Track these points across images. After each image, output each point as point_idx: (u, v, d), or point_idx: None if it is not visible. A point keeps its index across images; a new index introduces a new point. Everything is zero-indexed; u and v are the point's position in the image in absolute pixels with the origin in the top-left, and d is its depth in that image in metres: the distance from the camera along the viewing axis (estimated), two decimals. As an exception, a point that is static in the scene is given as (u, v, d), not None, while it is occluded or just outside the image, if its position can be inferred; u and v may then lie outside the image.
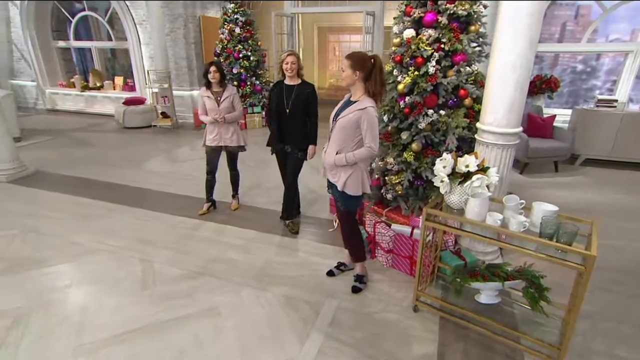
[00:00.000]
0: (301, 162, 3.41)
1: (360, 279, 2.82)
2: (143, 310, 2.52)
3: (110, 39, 9.10)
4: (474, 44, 3.02)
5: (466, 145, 3.10)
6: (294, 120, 3.29)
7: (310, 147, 3.38)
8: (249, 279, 2.87)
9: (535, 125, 5.54)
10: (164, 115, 7.65)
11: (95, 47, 9.35)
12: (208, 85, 3.60)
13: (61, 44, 9.49)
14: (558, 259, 1.91)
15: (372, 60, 2.33)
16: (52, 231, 3.54)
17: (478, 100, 2.97)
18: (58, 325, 2.39)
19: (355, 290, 2.76)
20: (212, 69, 3.50)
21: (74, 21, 9.15)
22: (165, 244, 3.34)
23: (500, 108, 2.55)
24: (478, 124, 2.74)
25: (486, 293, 2.47)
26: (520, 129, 2.66)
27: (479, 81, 2.99)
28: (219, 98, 3.62)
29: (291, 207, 3.62)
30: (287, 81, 3.31)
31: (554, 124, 5.59)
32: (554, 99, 6.45)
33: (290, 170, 3.44)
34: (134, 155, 5.99)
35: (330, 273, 2.95)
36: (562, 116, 6.19)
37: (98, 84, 9.20)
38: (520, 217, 2.10)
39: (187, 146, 6.49)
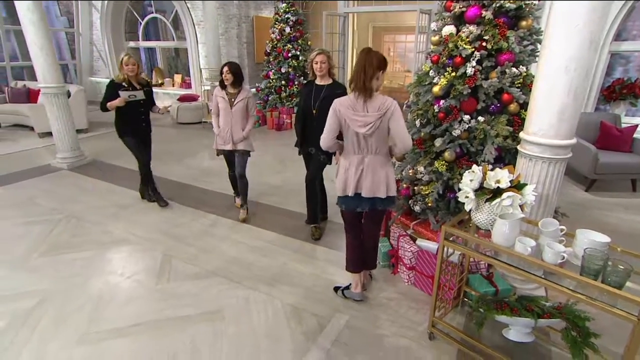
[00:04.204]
0: (323, 165, 3.26)
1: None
2: (150, 305, 2.54)
3: (173, 39, 9.67)
4: (526, 42, 2.65)
5: (510, 157, 2.74)
6: (320, 122, 3.13)
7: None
8: (260, 283, 2.79)
9: (610, 137, 4.81)
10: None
11: (159, 46, 10.00)
12: (223, 85, 3.49)
13: (132, 44, 10.28)
14: (603, 303, 1.56)
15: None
16: (91, 218, 3.77)
17: (526, 106, 2.59)
18: (74, 311, 2.49)
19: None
20: (225, 69, 3.38)
21: (142, 23, 9.86)
22: (188, 240, 3.38)
23: (547, 116, 2.18)
24: (521, 134, 2.37)
25: (516, 329, 2.12)
26: (574, 140, 2.26)
27: (528, 84, 2.61)
28: (232, 100, 3.50)
29: (313, 210, 3.47)
30: (318, 81, 3.18)
31: (635, 135, 4.80)
32: (639, 106, 5.58)
33: (310, 170, 3.32)
34: (180, 150, 6.25)
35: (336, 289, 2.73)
36: (647, 127, 5.31)
37: (160, 81, 9.83)
38: (558, 246, 1.76)
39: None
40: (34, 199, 4.21)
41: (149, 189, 4.17)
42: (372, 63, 2.14)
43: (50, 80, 4.95)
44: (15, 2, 4.56)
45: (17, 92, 7.30)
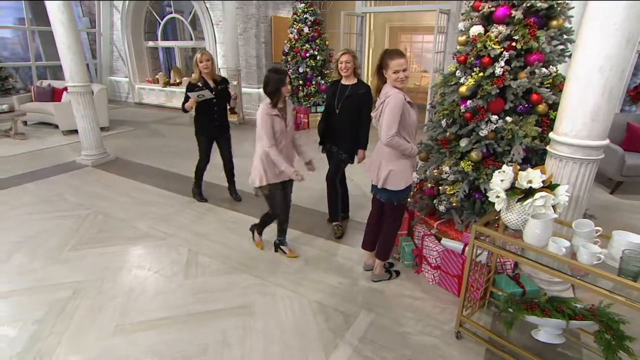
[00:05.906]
0: (343, 164, 3.29)
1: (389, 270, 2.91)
2: (179, 299, 2.61)
3: (191, 39, 9.80)
4: (555, 42, 2.63)
5: (537, 158, 2.72)
6: (342, 120, 3.17)
7: (360, 151, 3.26)
8: (285, 280, 2.82)
9: (637, 138, 4.71)
10: (232, 111, 7.96)
11: (177, 46, 10.16)
12: (276, 101, 2.66)
13: (150, 44, 10.47)
14: (641, 305, 1.55)
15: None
16: (117, 214, 3.87)
17: (555, 106, 2.58)
18: (107, 302, 2.57)
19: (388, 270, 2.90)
20: (287, 80, 2.64)
21: (162, 23, 10.02)
22: (213, 237, 3.44)
23: (579, 116, 2.16)
24: (551, 134, 2.36)
25: (546, 330, 2.11)
26: (607, 141, 2.23)
27: (558, 85, 2.59)
28: (285, 116, 2.77)
29: (333, 208, 3.50)
30: (343, 81, 3.21)
31: (663, 137, 4.70)
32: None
33: (330, 168, 3.35)
34: (201, 148, 6.33)
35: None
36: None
37: (177, 80, 9.97)
38: (594, 247, 1.75)
39: (247, 142, 6.69)
40: (62, 195, 4.33)
41: (229, 185, 4.28)
42: (378, 63, 2.47)
43: (78, 79, 5.08)
44: (46, 2, 4.69)
45: (42, 91, 7.50)
